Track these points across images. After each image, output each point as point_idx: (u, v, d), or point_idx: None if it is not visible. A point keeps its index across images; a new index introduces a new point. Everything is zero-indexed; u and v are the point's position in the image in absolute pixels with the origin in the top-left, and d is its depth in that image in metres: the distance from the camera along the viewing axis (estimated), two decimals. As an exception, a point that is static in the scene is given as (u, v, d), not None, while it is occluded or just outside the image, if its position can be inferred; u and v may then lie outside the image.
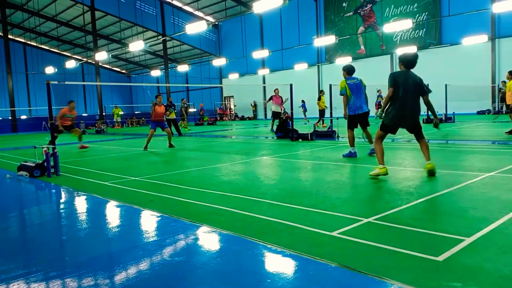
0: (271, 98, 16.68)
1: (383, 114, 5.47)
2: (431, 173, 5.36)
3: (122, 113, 34.33)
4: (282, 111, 16.27)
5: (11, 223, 4.29)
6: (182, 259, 2.89)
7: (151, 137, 11.48)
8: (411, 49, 25.70)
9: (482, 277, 2.32)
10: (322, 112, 18.84)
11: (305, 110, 26.81)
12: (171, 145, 11.71)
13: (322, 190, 4.89)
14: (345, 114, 7.64)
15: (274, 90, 16.76)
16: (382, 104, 5.51)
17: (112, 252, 3.17)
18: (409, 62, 5.35)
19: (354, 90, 7.48)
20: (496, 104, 23.65)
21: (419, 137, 5.58)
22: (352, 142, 7.72)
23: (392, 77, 5.32)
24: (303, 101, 27.14)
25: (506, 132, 10.86)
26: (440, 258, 2.60)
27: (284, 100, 16.19)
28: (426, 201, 4.07)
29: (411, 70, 5.42)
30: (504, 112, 11.10)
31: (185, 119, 22.55)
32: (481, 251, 2.70)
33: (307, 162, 7.46)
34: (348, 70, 7.66)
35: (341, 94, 7.53)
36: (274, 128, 16.25)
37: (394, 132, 5.64)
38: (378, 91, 25.24)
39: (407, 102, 5.29)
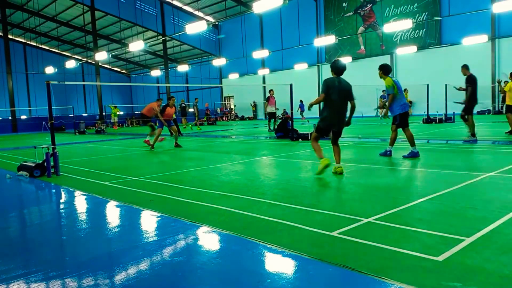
0: (268, 99, 16.98)
1: (320, 122, 5.82)
2: (340, 173, 5.76)
3: (121, 112, 33.71)
4: (283, 112, 16.44)
5: (11, 223, 4.29)
6: (182, 259, 2.89)
7: (159, 136, 11.54)
8: (411, 49, 25.75)
9: (482, 277, 2.32)
10: None
11: (302, 111, 26.91)
12: (177, 145, 11.62)
13: (322, 190, 4.89)
14: (386, 113, 7.43)
15: (270, 91, 16.99)
16: (312, 102, 5.79)
17: (112, 252, 3.17)
18: (338, 70, 5.78)
19: (399, 88, 7.22)
20: (497, 104, 23.64)
21: (336, 141, 5.96)
22: (412, 141, 7.21)
23: (326, 84, 5.72)
24: (301, 101, 27.17)
25: (506, 132, 10.88)
26: (440, 258, 2.60)
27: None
28: (426, 201, 4.07)
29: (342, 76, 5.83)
30: (504, 112, 11.14)
31: (197, 119, 23.14)
32: (481, 251, 2.70)
33: (307, 162, 7.46)
34: (385, 70, 7.33)
35: (389, 94, 7.17)
36: (271, 127, 16.63)
37: (327, 135, 5.99)
38: (383, 91, 25.20)
39: (339, 106, 5.72)
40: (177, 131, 12.10)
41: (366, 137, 12.02)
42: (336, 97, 5.65)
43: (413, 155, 7.10)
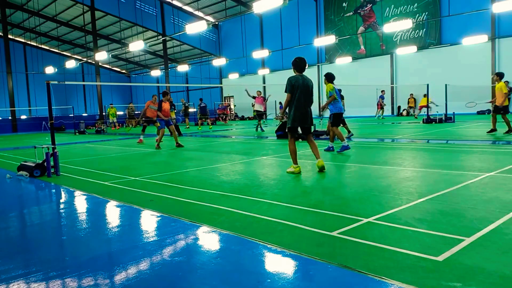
0: (254, 97, 17.32)
1: (285, 117, 5.95)
2: (322, 169, 5.98)
3: (121, 113, 33.28)
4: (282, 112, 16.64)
5: (11, 223, 4.29)
6: (182, 259, 2.89)
7: (163, 136, 11.63)
8: (411, 49, 25.76)
9: (482, 277, 2.32)
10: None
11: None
12: (178, 145, 11.54)
13: (322, 190, 4.89)
14: (324, 107, 8.50)
15: (257, 92, 17.47)
16: (283, 108, 6.14)
17: (112, 252, 3.17)
18: (300, 67, 6.00)
19: (337, 94, 8.56)
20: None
21: (310, 137, 6.19)
22: (341, 137, 8.45)
23: (289, 82, 5.88)
24: (281, 103, 27.57)
25: (488, 132, 11.13)
26: (440, 258, 2.60)
27: (266, 99, 17.42)
28: (426, 201, 4.07)
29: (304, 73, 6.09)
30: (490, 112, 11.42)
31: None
32: (481, 251, 2.70)
33: (307, 162, 7.45)
34: (328, 78, 8.52)
35: (330, 96, 8.36)
36: (259, 129, 17.27)
37: (303, 133, 6.33)
38: (382, 92, 25.25)
39: (304, 102, 5.88)
40: (175, 130, 12.10)
41: (365, 137, 12.02)
42: (301, 95, 5.84)
43: (345, 149, 8.30)
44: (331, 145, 8.78)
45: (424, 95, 21.10)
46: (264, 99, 17.75)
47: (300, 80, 5.88)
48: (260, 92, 17.63)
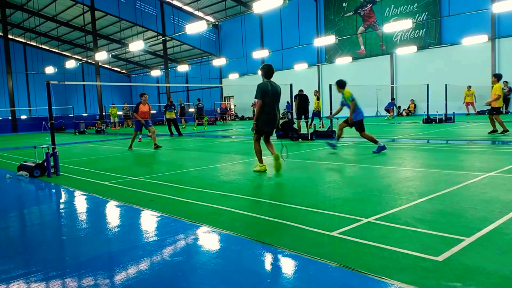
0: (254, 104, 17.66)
1: (257, 123, 6.24)
2: (277, 158, 6.14)
3: (121, 113, 33.25)
4: (283, 111, 16.71)
5: (11, 223, 4.29)
6: (182, 259, 2.89)
7: (135, 138, 11.62)
8: (411, 49, 25.76)
9: (482, 277, 2.32)
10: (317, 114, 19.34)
11: (288, 111, 27.92)
12: (156, 146, 11.30)
13: (322, 190, 4.89)
14: (335, 114, 8.95)
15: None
16: (255, 115, 6.27)
17: (112, 252, 3.17)
18: (268, 73, 6.21)
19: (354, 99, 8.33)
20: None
21: (268, 139, 6.51)
22: (374, 140, 8.23)
23: (260, 89, 6.10)
24: (288, 102, 27.55)
25: (488, 132, 11.06)
26: (440, 258, 2.60)
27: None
28: (426, 201, 4.07)
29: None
30: (487, 113, 11.32)
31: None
32: (481, 251, 2.70)
33: (307, 162, 7.46)
34: (340, 85, 8.36)
35: (352, 100, 8.24)
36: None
37: (265, 135, 6.53)
38: (392, 100, 25.32)
39: (272, 107, 6.14)
40: (154, 131, 11.78)
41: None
42: (269, 101, 6.10)
43: (381, 149, 7.98)
44: (381, 144, 8.13)
45: (468, 88, 21.33)
46: None
47: (269, 86, 6.12)
48: None
